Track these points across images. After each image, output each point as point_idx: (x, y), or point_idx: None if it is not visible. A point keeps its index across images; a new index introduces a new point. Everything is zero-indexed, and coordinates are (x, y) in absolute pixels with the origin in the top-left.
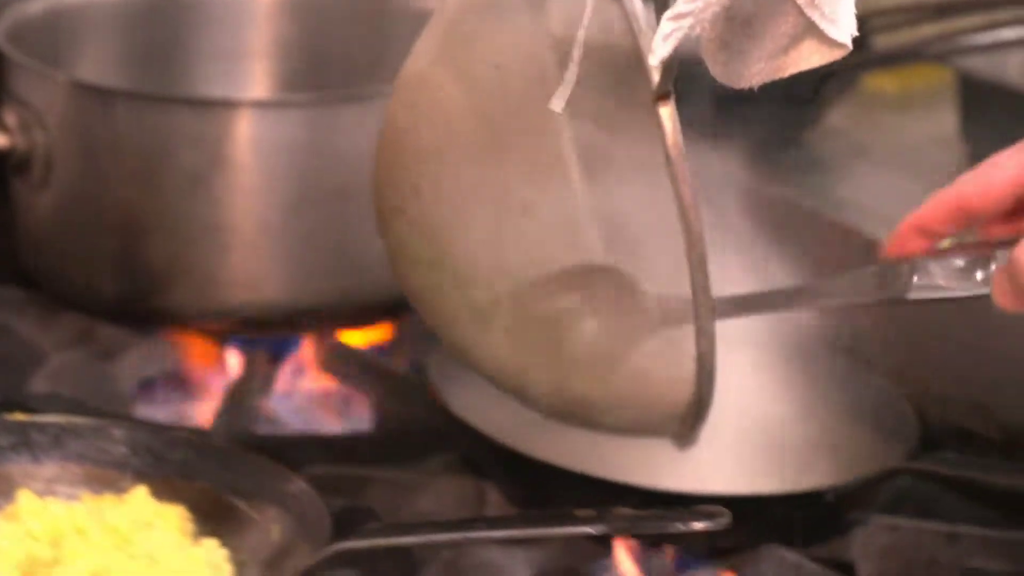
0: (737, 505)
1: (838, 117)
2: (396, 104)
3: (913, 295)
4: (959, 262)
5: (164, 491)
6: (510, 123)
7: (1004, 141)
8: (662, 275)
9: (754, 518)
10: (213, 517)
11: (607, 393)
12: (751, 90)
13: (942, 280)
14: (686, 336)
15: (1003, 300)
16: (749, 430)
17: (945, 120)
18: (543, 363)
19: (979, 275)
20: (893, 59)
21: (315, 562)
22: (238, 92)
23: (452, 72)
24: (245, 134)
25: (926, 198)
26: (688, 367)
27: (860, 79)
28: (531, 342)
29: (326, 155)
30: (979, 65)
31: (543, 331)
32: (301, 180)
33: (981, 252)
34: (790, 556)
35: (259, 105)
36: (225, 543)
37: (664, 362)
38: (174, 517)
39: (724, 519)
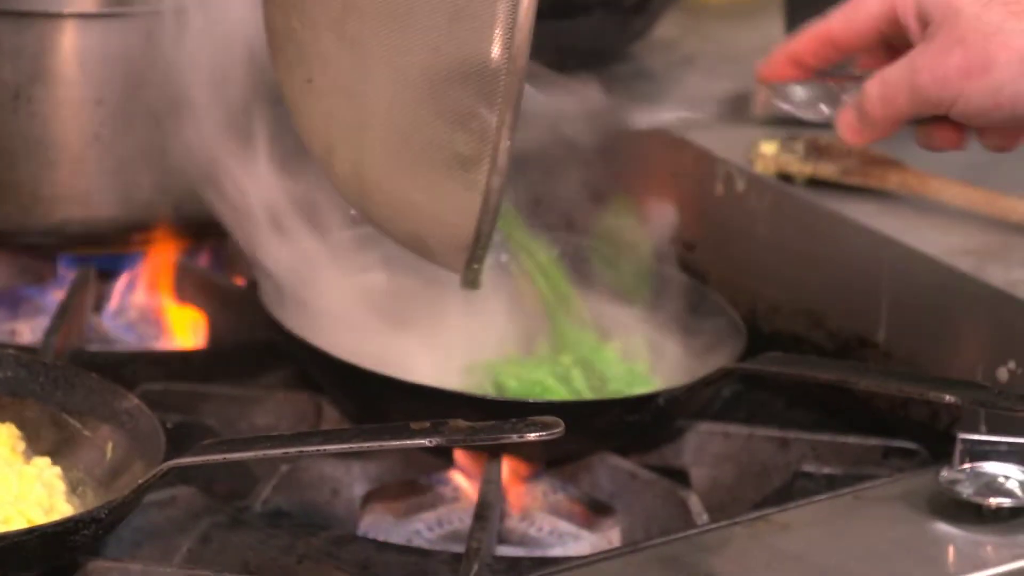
0: (571, 413)
1: (665, 27)
2: None
3: (765, 116)
4: (814, 91)
5: None
6: None
7: None
8: None
9: (588, 426)
10: (45, 435)
11: (399, 194)
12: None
13: (794, 106)
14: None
15: (846, 131)
16: None
17: (772, 29)
18: (349, 138)
19: (829, 105)
20: None
21: (150, 479)
22: (60, 4)
23: None
24: (68, 47)
25: None
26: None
27: None
28: (348, 113)
29: (153, 68)
30: None
31: (367, 103)
32: (127, 94)
33: (839, 83)
34: (624, 464)
35: (82, 16)
36: (57, 461)
37: (458, 189)
38: (4, 435)
39: (558, 429)
